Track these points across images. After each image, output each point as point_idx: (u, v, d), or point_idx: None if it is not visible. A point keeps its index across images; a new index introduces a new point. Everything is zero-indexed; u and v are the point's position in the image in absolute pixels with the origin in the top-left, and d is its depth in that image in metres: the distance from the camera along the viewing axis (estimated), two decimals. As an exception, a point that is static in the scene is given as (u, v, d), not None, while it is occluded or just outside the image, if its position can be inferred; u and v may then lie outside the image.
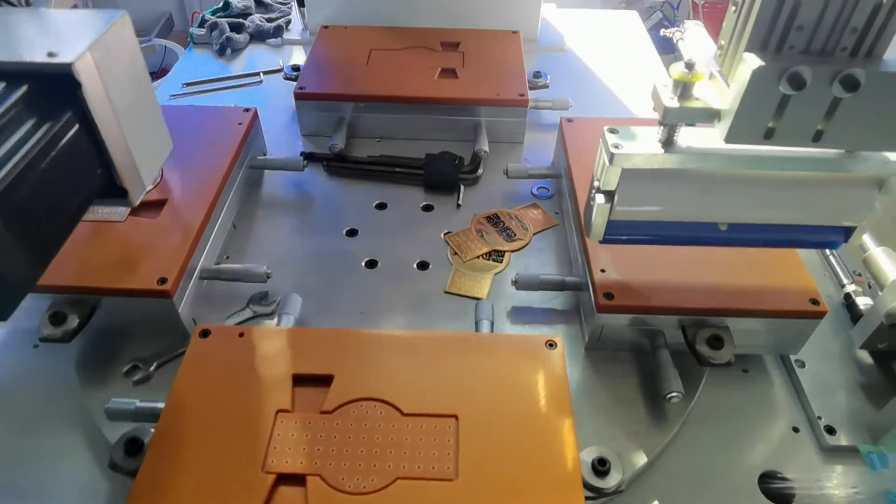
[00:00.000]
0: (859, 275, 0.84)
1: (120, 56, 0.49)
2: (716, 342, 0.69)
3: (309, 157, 1.00)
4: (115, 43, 0.48)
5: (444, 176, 0.96)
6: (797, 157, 0.58)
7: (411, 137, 1.06)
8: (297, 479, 0.54)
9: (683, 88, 0.55)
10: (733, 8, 0.54)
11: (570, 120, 0.96)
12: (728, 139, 0.54)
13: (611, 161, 0.59)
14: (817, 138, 0.54)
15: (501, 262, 0.85)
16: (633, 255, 0.73)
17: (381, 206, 0.94)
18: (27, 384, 0.73)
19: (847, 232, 0.66)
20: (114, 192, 0.51)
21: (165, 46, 2.77)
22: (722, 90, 0.56)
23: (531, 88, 1.12)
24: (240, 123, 0.93)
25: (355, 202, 0.95)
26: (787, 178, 0.61)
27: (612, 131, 0.61)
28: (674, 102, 0.55)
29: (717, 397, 0.72)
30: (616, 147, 0.59)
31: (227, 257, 0.86)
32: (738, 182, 0.62)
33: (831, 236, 0.67)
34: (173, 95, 1.20)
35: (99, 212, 0.77)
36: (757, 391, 0.74)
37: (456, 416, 0.57)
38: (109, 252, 0.74)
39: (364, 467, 0.54)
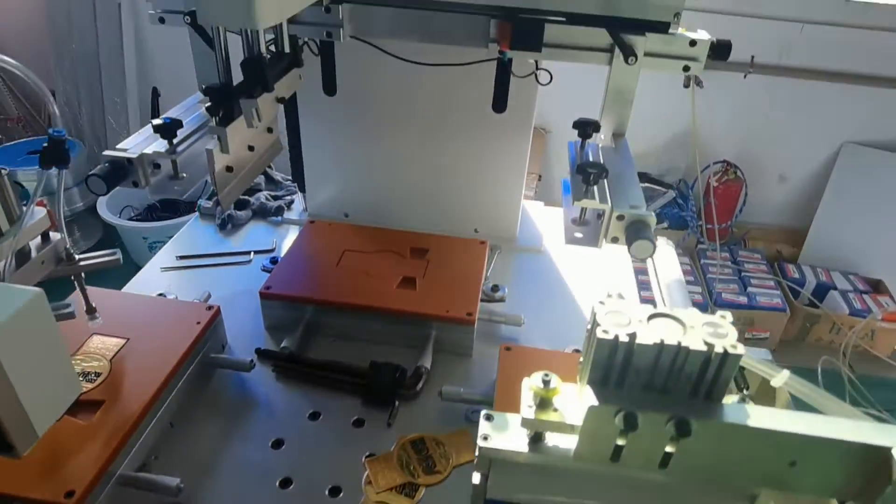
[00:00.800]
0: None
1: (28, 332, 0.56)
2: None
3: (262, 355, 1.06)
4: (23, 323, 0.55)
5: (382, 391, 1.00)
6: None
7: (367, 340, 1.11)
8: None
9: (542, 400, 0.58)
10: (586, 333, 0.58)
11: (508, 348, 1.00)
12: (575, 459, 0.56)
13: (478, 452, 0.62)
14: (664, 465, 0.56)
15: (413, 497, 0.85)
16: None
17: (315, 416, 0.98)
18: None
19: (731, 537, 0.65)
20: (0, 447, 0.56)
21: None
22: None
23: (488, 301, 1.18)
24: (198, 322, 1.00)
25: (291, 408, 0.99)
26: (654, 480, 0.62)
27: (488, 418, 0.64)
28: (530, 413, 0.58)
29: None
30: (484, 439, 0.61)
31: (156, 458, 0.89)
32: (605, 479, 0.63)
33: (715, 540, 0.66)
34: (164, 268, 1.30)
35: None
36: None
37: None
38: (31, 453, 0.78)
39: None
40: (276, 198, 1.56)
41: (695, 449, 0.54)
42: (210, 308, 1.03)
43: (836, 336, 2.84)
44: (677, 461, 0.55)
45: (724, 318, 0.54)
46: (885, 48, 2.80)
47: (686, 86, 2.75)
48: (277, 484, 0.87)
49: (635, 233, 0.92)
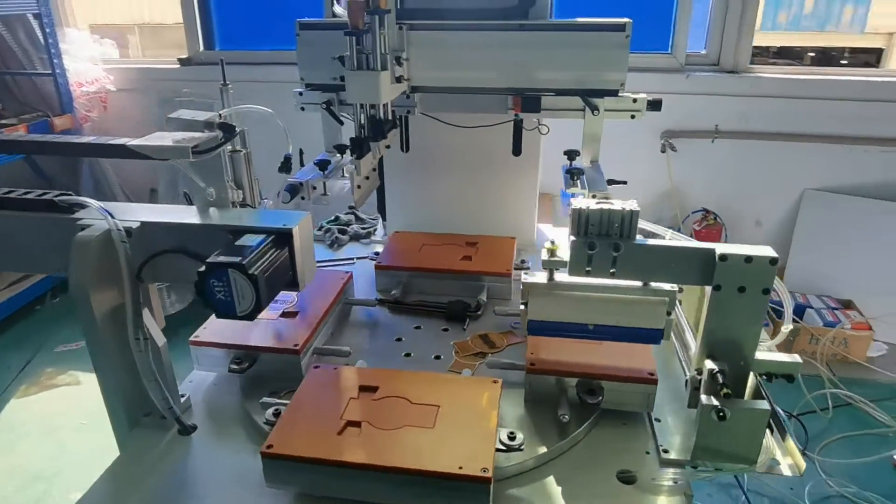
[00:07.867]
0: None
1: (305, 234, 1.19)
2: (590, 393, 1.23)
3: (380, 302, 1.67)
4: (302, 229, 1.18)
5: (457, 311, 1.60)
6: (614, 285, 1.18)
7: (441, 294, 1.72)
8: (356, 425, 1.11)
9: (550, 251, 1.19)
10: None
11: (534, 283, 1.60)
12: (569, 273, 1.16)
13: (521, 286, 1.22)
14: (613, 274, 1.15)
15: (483, 358, 1.43)
16: (553, 344, 1.31)
17: (418, 328, 1.57)
18: None
19: (662, 333, 1.22)
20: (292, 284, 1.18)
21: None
22: (569, 252, 1.19)
23: (517, 269, 1.79)
24: (341, 278, 1.63)
25: (404, 325, 1.59)
26: (615, 297, 1.20)
27: (527, 273, 1.24)
28: (545, 255, 1.19)
29: (604, 437, 1.24)
30: (525, 274, 1.22)
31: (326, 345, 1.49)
32: (591, 299, 1.21)
33: (652, 335, 1.22)
34: (301, 268, 1.94)
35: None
36: (629, 433, 1.25)
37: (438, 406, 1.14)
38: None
39: (389, 422, 1.11)
40: (363, 228, 2.22)
41: (627, 260, 1.13)
42: (347, 273, 1.66)
43: (815, 346, 3.33)
44: (620, 267, 1.14)
45: (631, 201, 1.16)
46: (831, 113, 3.51)
47: (663, 151, 3.45)
48: (403, 354, 1.46)
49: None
